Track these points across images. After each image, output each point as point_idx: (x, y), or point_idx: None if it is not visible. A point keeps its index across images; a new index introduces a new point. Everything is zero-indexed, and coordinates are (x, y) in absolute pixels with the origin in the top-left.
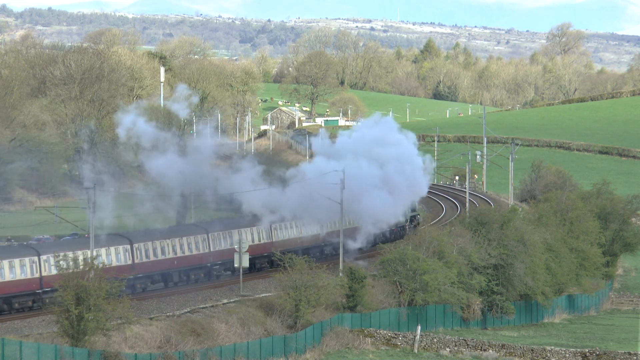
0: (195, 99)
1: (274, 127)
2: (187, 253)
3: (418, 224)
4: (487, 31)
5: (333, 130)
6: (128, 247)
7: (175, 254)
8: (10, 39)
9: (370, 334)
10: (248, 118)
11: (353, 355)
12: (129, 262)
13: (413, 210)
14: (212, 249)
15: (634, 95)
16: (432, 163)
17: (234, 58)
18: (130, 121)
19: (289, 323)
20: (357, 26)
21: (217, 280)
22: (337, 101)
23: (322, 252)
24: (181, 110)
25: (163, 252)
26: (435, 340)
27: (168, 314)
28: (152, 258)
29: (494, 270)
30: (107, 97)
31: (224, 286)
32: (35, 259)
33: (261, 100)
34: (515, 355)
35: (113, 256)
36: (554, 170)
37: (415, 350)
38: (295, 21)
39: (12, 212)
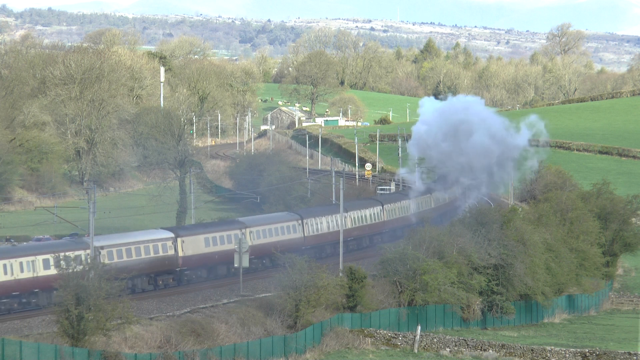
0: None
1: (274, 127)
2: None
3: None
4: (487, 31)
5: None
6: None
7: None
8: (10, 39)
9: (370, 334)
10: (248, 118)
11: (353, 355)
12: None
13: None
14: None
15: (634, 95)
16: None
17: (234, 58)
18: None
19: (289, 323)
20: (357, 26)
21: (216, 280)
22: (337, 101)
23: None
24: None
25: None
26: (435, 340)
27: (168, 314)
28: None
29: (494, 270)
30: (107, 97)
31: (224, 286)
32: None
33: (261, 100)
34: (515, 355)
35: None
36: (554, 170)
37: (415, 350)
38: (295, 21)
39: (12, 212)
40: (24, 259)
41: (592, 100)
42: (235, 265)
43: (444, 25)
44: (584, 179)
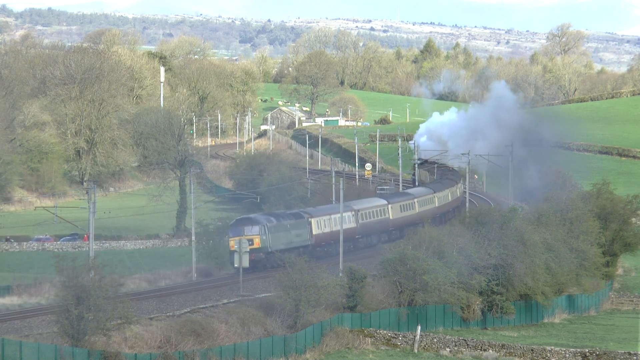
0: None
1: (274, 127)
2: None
3: None
4: (487, 31)
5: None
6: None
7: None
8: (10, 39)
9: (370, 334)
10: (248, 118)
11: (353, 355)
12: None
13: None
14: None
15: (634, 95)
16: None
17: (234, 58)
18: None
19: (289, 323)
20: (357, 26)
21: (217, 282)
22: (337, 101)
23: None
24: None
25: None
26: (435, 340)
27: (168, 314)
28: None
29: (494, 270)
30: (107, 97)
31: (224, 286)
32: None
33: (261, 100)
34: (515, 355)
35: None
36: (554, 170)
37: (415, 350)
38: (295, 21)
39: (12, 212)
40: (322, 218)
41: (592, 100)
42: (235, 265)
43: (444, 25)
44: (584, 179)
